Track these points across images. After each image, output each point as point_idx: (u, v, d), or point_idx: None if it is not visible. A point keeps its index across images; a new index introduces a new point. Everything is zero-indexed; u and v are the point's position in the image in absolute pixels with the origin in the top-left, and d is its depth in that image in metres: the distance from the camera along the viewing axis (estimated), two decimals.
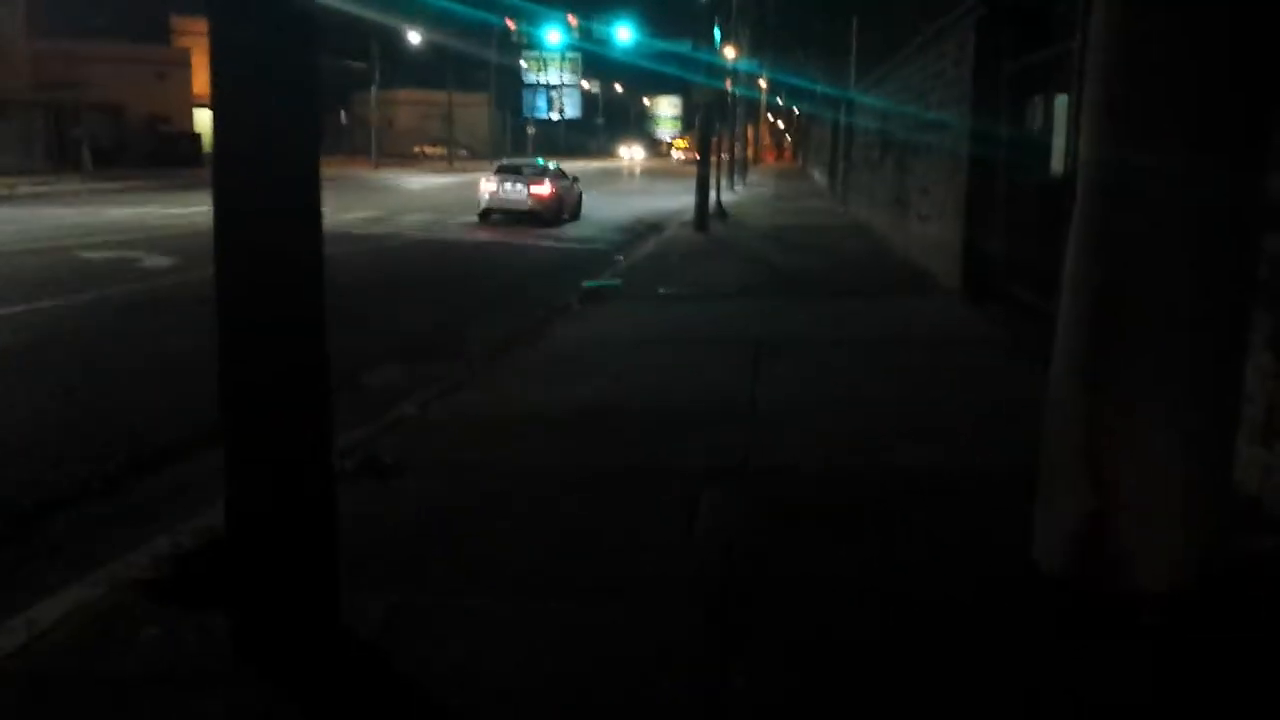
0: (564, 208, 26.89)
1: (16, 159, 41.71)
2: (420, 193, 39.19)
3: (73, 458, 6.18)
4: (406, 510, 4.99)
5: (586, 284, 12.97)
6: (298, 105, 3.45)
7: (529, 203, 25.18)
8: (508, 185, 25.70)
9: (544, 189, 25.63)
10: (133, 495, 5.69)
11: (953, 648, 3.62)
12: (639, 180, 41.72)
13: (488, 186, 25.97)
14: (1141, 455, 3.78)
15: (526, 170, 26.79)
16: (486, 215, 25.50)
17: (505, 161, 29.73)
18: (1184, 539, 3.81)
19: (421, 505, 5.05)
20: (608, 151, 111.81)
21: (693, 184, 23.38)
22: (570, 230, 23.57)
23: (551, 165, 28.38)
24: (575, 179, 29.21)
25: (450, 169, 67.20)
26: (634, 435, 6.35)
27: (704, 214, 22.59)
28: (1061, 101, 9.32)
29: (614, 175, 60.67)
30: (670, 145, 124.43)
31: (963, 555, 4.43)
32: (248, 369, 3.47)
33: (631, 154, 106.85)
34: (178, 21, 66.88)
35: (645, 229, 23.89)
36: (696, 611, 3.88)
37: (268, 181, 3.43)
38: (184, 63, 58.48)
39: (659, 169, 73.43)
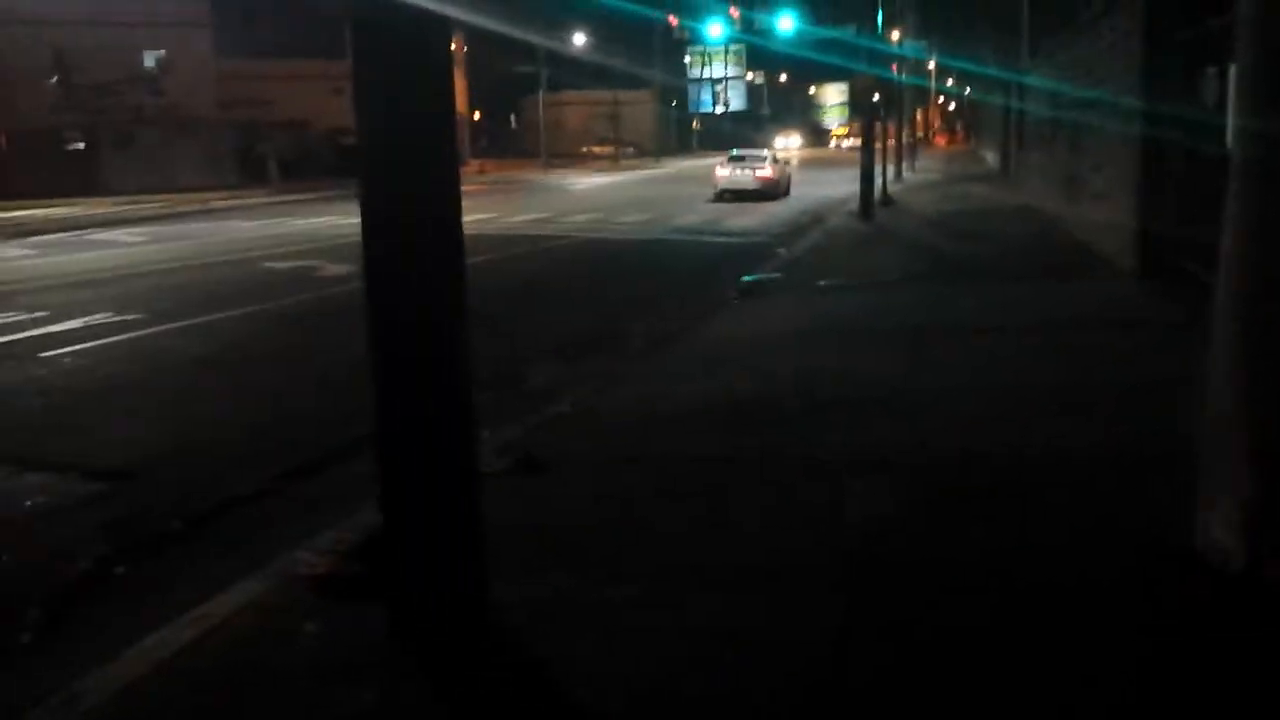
0: (780, 187, 32.27)
1: (208, 175, 44.06)
2: (587, 193, 39.73)
3: (251, 458, 6.54)
4: (558, 505, 5.11)
5: (744, 278, 12.96)
6: (436, 127, 3.60)
7: (755, 184, 31.21)
8: (738, 171, 31.93)
9: (766, 172, 31.67)
10: (304, 494, 5.98)
11: (1110, 634, 3.53)
12: (798, 172, 42.22)
13: (721, 172, 31.99)
14: None
15: (750, 158, 33.38)
16: (721, 195, 30.94)
17: (735, 152, 35.59)
18: None
19: (572, 500, 5.17)
20: (769, 143, 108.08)
21: (858, 172, 23.11)
22: (735, 224, 23.55)
23: (768, 153, 34.54)
24: (788, 162, 35.83)
25: (617, 167, 67.88)
26: (786, 427, 6.35)
27: (869, 202, 22.28)
28: (1235, 68, 8.87)
29: None
30: (831, 134, 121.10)
31: (1122, 542, 4.30)
32: (394, 373, 3.63)
33: (788, 144, 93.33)
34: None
35: (809, 220, 23.67)
36: (839, 600, 3.87)
37: (409, 197, 3.58)
38: None
39: (822, 158, 72.37)
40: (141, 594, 4.61)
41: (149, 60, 47.11)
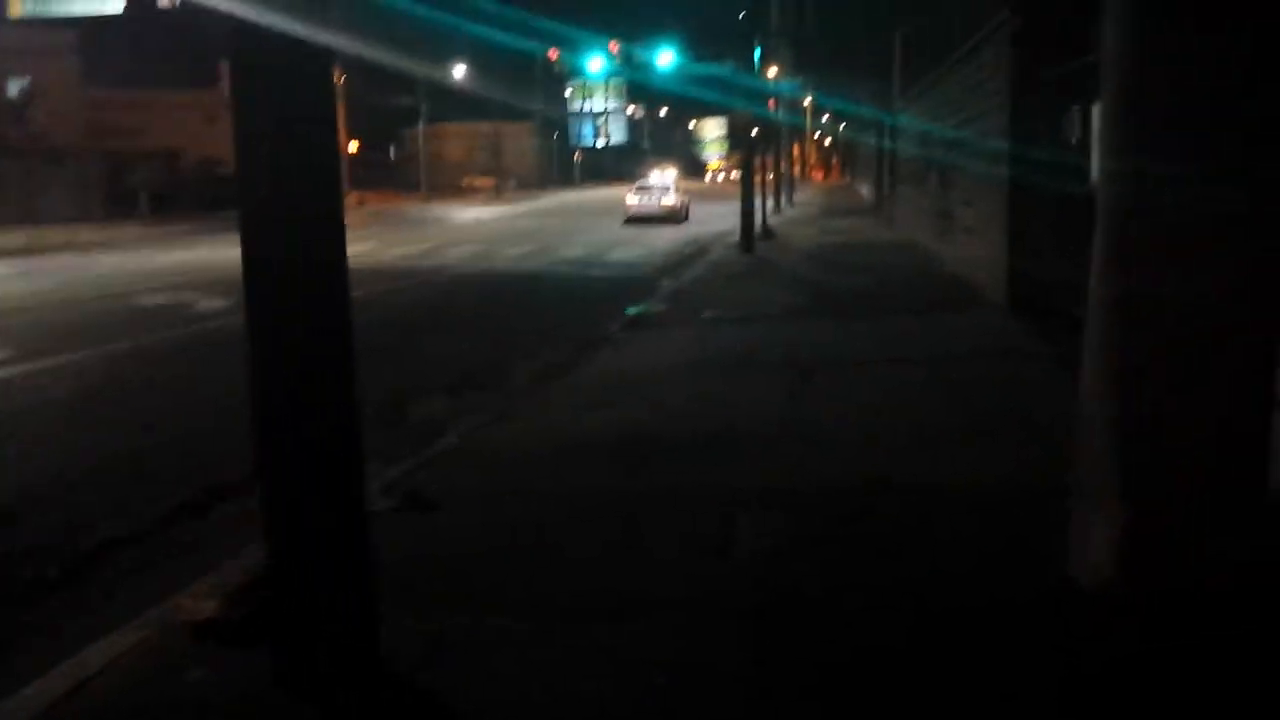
0: (681, 213, 37.17)
1: (75, 207, 42.63)
2: (468, 225, 39.55)
3: (125, 502, 6.32)
4: (448, 541, 5.05)
5: (629, 310, 13.02)
6: (318, 160, 3.55)
7: (660, 210, 36.64)
8: (645, 199, 37.52)
9: (670, 200, 37.05)
10: (182, 537, 5.80)
11: (987, 656, 3.62)
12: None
13: (631, 199, 37.68)
14: (1172, 464, 3.75)
15: (655, 188, 38.98)
16: (631, 220, 35.90)
17: (641, 183, 42.08)
18: (1220, 542, 3.77)
19: (461, 537, 5.11)
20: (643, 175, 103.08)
21: (737, 205, 23.46)
22: (620, 256, 23.70)
23: (670, 184, 39.60)
24: (686, 193, 41.10)
25: (499, 199, 67.73)
26: (673, 460, 6.39)
27: (750, 235, 22.61)
28: (1099, 105, 9.24)
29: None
30: (707, 167, 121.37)
31: (1000, 567, 4.42)
32: (278, 409, 3.55)
33: (662, 177, 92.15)
34: (225, 67, 68.13)
35: (693, 252, 23.93)
36: (732, 629, 3.90)
37: (292, 228, 3.52)
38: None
39: (699, 191, 72.58)
40: (12, 644, 4.42)
41: (13, 89, 45.60)
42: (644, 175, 72.76)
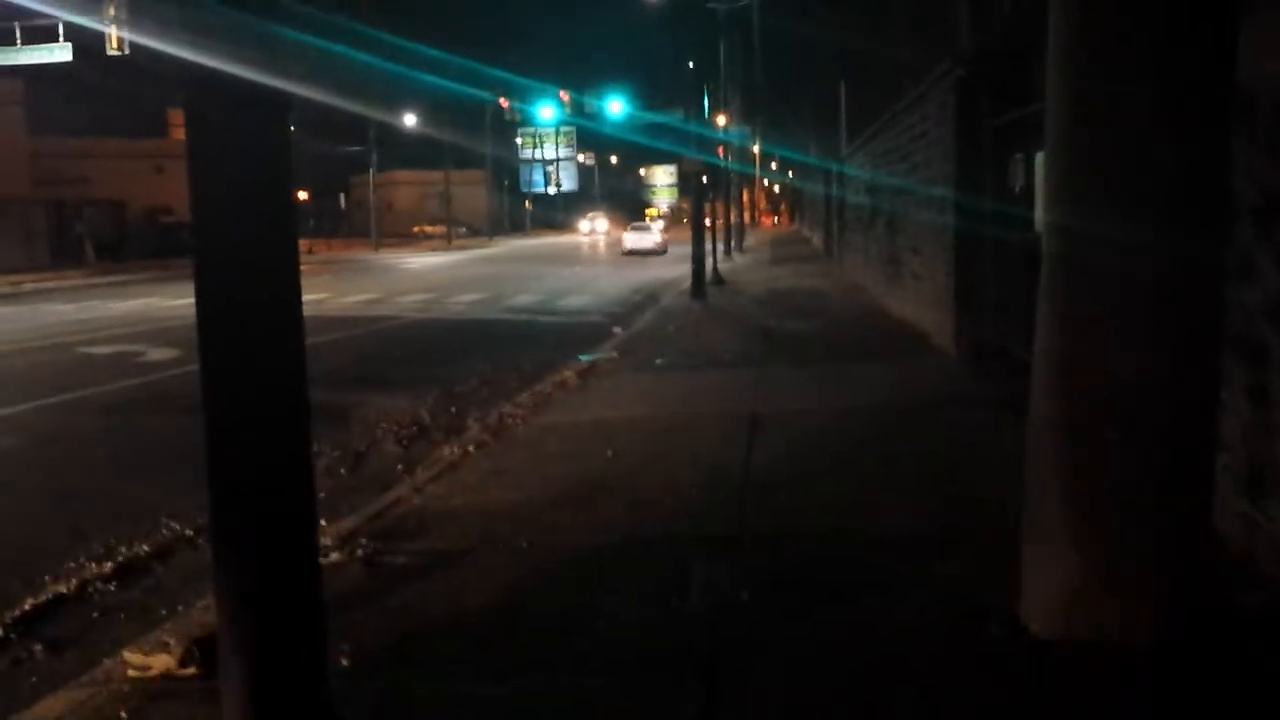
0: (665, 248, 48.87)
1: (20, 256, 42.19)
2: (419, 273, 39.47)
3: (78, 554, 6.23)
4: (396, 596, 5.01)
5: (582, 357, 13.04)
6: (274, 211, 3.55)
7: (652, 245, 49.84)
8: (639, 236, 51.65)
9: (657, 238, 50.94)
10: (135, 590, 5.73)
11: (937, 703, 3.64)
12: (617, 251, 47.60)
13: (627, 237, 51.99)
14: (1119, 514, 3.82)
15: (646, 228, 53.76)
16: (629, 254, 48.63)
17: (634, 224, 57.99)
18: (1166, 593, 3.83)
19: (411, 590, 5.08)
20: (574, 225, 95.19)
21: (686, 251, 23.60)
22: (571, 303, 23.77)
23: (657, 225, 55.62)
24: (667, 230, 56.44)
25: (449, 247, 67.66)
26: (627, 510, 6.39)
27: (701, 282, 22.73)
28: (1041, 159, 9.43)
29: (577, 254, 61.08)
30: (645, 214, 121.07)
31: (950, 614, 4.45)
32: (231, 464, 3.52)
33: (594, 227, 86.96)
34: (174, 114, 67.86)
35: (643, 299, 24.03)
36: (685, 682, 3.90)
37: (247, 281, 3.52)
38: (182, 155, 58.90)
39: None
40: None
41: None
42: (580, 222, 75.34)
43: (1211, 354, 3.87)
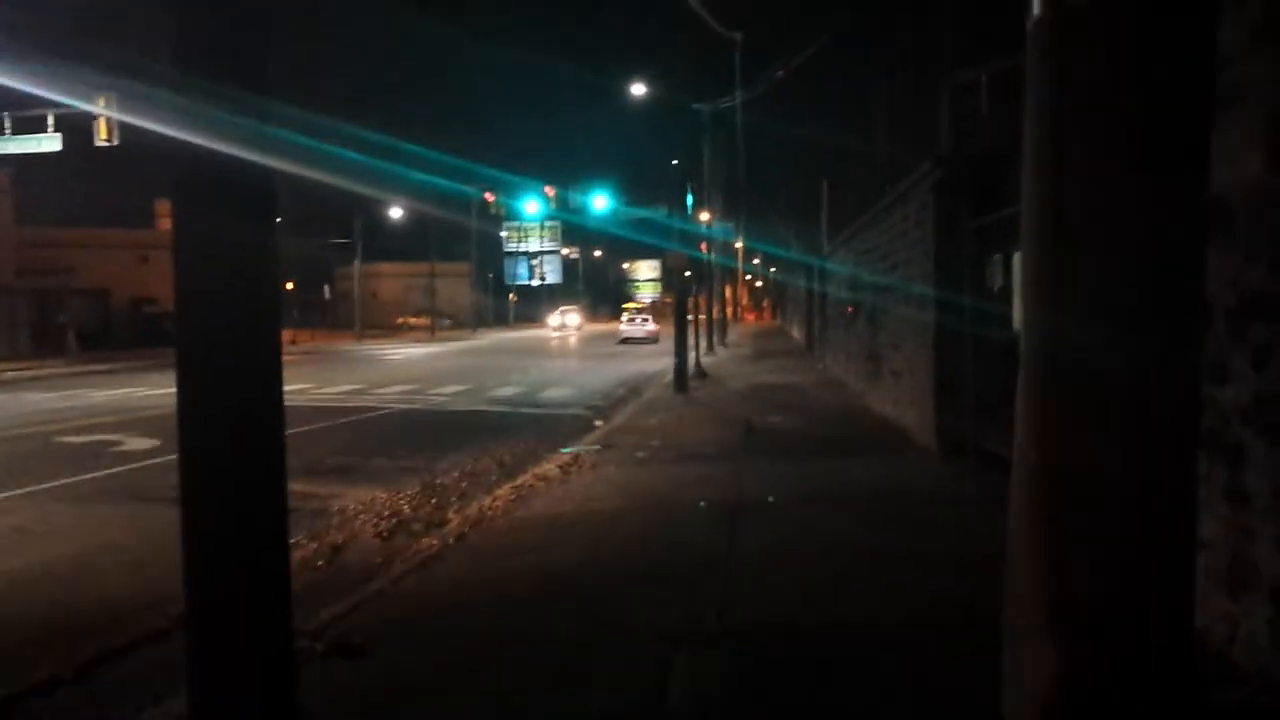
0: (657, 336, 49.74)
1: (2, 345, 42.10)
2: (402, 364, 39.48)
3: (50, 645, 6.13)
4: (375, 690, 4.95)
5: (564, 450, 13.02)
6: (258, 301, 3.58)
7: (644, 334, 52.92)
8: (634, 325, 55.00)
9: (651, 326, 54.18)
10: (109, 682, 5.63)
11: None
12: (596, 344, 47.76)
13: (623, 325, 55.98)
14: (1099, 614, 3.80)
15: (640, 318, 56.94)
16: (624, 341, 52.10)
17: (629, 316, 59.63)
18: (1146, 690, 3.80)
19: (390, 684, 5.02)
20: (545, 319, 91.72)
21: (668, 345, 23.70)
22: (553, 395, 23.79)
23: (650, 316, 58.32)
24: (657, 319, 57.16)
25: (433, 338, 67.81)
26: (607, 601, 6.34)
27: (683, 375, 22.80)
28: (1019, 257, 9.55)
29: (560, 347, 61.29)
30: (623, 308, 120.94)
31: (931, 710, 4.42)
32: (209, 555, 3.50)
33: (564, 321, 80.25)
34: (161, 205, 68.41)
35: (625, 392, 24.06)
36: None
37: (228, 371, 3.53)
38: (167, 245, 59.36)
39: (609, 332, 71.94)
40: None
41: None
42: (549, 316, 75.58)
43: (1189, 455, 3.88)
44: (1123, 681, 3.80)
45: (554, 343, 58.74)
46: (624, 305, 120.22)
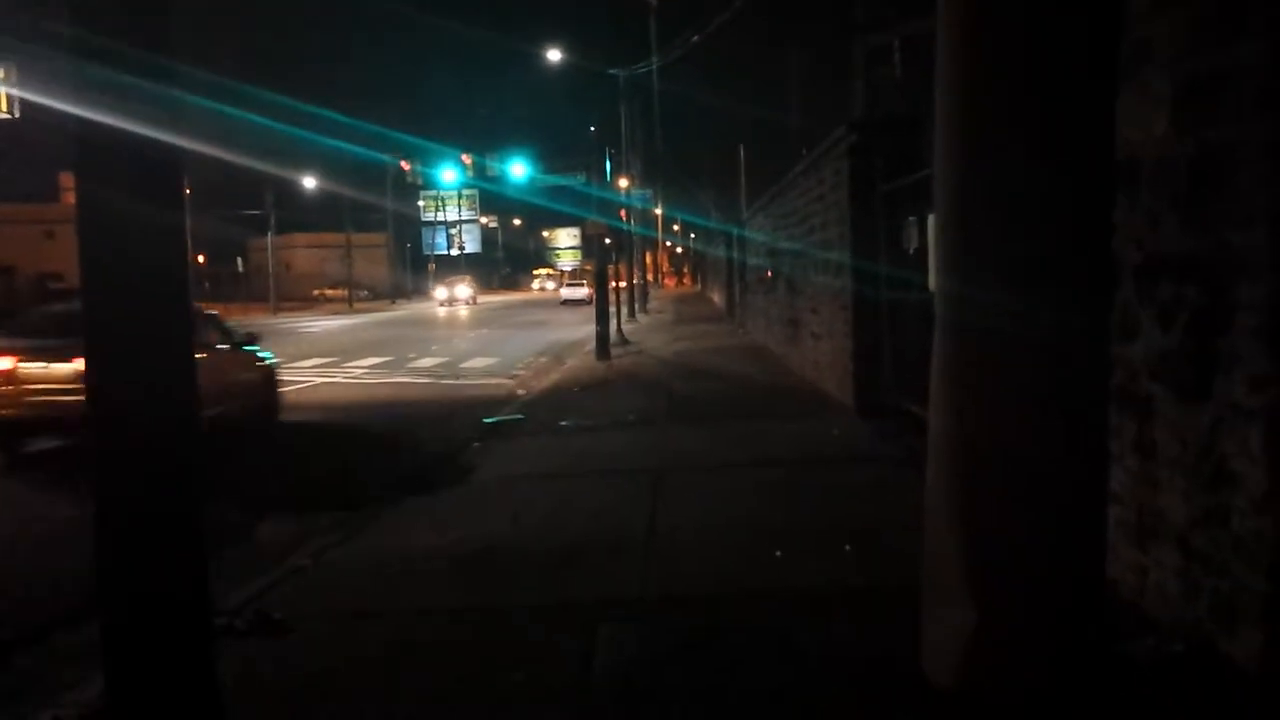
0: (593, 298, 48.68)
1: None
2: (321, 337, 38.98)
3: None
4: (295, 666, 4.90)
5: (486, 420, 12.97)
6: (168, 274, 3.50)
7: (583, 295, 55.21)
8: (573, 289, 62.96)
9: (587, 291, 52.36)
10: (18, 669, 5.52)
11: None
12: (519, 314, 47.09)
13: (564, 291, 65.35)
14: (1013, 568, 3.89)
15: (577, 283, 63.79)
16: (564, 303, 58.17)
17: (569, 281, 68.99)
18: (1060, 642, 3.91)
19: (311, 660, 4.97)
20: (432, 290, 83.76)
21: (590, 313, 23.67)
22: (475, 364, 23.66)
23: (586, 281, 57.70)
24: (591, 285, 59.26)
25: (351, 310, 66.99)
26: (530, 572, 6.34)
27: (605, 342, 22.80)
28: (933, 221, 9.67)
29: (483, 317, 60.98)
30: (533, 275, 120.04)
31: (856, 669, 4.50)
32: (119, 532, 3.43)
33: (453, 294, 72.37)
34: (65, 178, 66.53)
35: (548, 361, 24.01)
36: None
37: (138, 347, 3.45)
38: (73, 219, 57.99)
39: (532, 301, 70.80)
40: None
41: None
42: (442, 287, 72.96)
43: (1099, 410, 3.98)
44: (1037, 633, 3.91)
45: (474, 313, 58.36)
46: (534, 272, 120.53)
